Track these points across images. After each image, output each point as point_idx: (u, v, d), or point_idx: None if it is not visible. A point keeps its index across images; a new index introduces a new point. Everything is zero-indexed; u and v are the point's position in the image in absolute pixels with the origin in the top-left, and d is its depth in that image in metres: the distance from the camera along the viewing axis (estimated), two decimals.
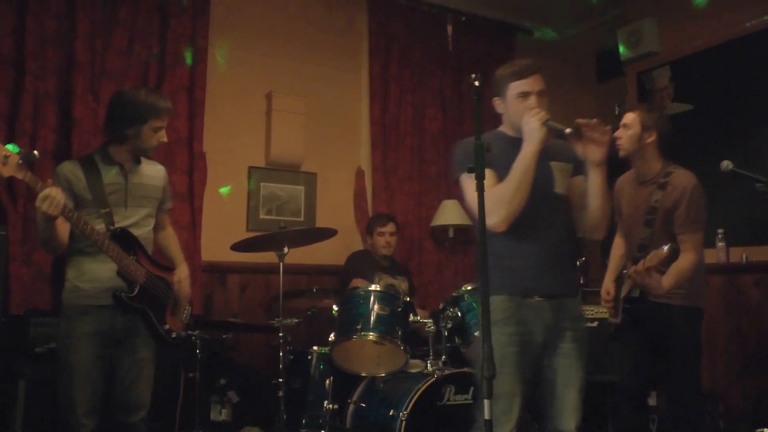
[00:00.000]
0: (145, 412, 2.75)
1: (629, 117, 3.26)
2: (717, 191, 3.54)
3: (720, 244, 4.49)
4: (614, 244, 3.49)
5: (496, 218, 2.25)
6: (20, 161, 2.31)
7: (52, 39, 3.94)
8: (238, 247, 3.69)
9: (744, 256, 4.41)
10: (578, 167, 2.46)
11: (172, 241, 3.11)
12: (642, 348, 3.20)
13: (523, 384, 2.34)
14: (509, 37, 5.88)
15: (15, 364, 3.20)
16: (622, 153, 3.23)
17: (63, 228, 2.59)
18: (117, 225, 2.68)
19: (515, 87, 2.40)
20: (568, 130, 2.27)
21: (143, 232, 2.80)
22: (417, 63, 5.35)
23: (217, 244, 4.17)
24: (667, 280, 2.96)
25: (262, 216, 4.73)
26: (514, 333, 2.33)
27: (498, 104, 2.50)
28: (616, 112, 5.53)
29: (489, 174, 2.26)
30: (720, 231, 4.50)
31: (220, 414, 3.85)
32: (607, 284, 3.36)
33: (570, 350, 2.39)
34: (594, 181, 2.35)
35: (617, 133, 3.19)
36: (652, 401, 4.04)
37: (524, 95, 2.38)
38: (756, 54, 4.52)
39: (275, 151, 4.74)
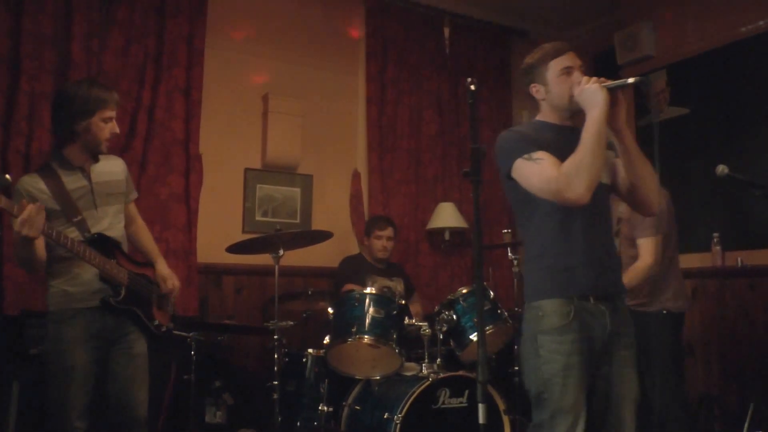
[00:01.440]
0: (143, 412, 2.74)
1: None
2: (713, 195, 3.56)
3: (715, 248, 4.50)
4: None
5: (578, 188, 2.07)
6: None
7: (49, 39, 3.93)
8: (233, 248, 3.68)
9: (739, 260, 4.41)
10: (615, 151, 2.33)
11: (144, 233, 3.07)
12: None
13: (585, 396, 2.16)
14: (506, 40, 5.89)
15: (9, 366, 3.18)
16: None
17: (41, 245, 2.53)
18: (92, 230, 2.66)
19: (557, 63, 2.27)
20: (630, 80, 2.14)
21: (117, 231, 2.78)
22: (414, 65, 5.35)
23: (213, 245, 4.17)
24: (628, 278, 3.08)
25: (258, 218, 4.72)
26: (575, 340, 2.14)
27: (537, 90, 2.34)
28: (650, 103, 5.50)
29: (545, 154, 2.17)
30: (715, 235, 4.50)
31: (214, 416, 3.84)
32: None
33: (625, 358, 2.24)
34: (618, 128, 2.23)
35: None
36: None
37: (568, 70, 2.26)
38: (751, 58, 4.53)
39: (271, 153, 4.74)
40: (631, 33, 5.20)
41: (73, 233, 2.61)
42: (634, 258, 3.27)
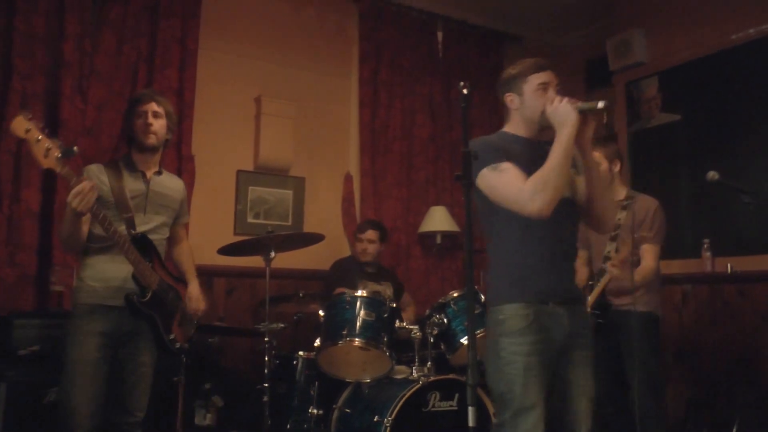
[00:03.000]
0: (141, 416, 2.78)
1: (595, 155, 3.41)
2: (703, 201, 3.59)
3: (706, 254, 4.52)
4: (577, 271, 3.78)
5: (540, 202, 2.15)
6: (60, 155, 2.41)
7: (41, 39, 3.92)
8: (225, 250, 3.68)
9: (729, 267, 4.43)
10: (577, 169, 2.42)
11: (186, 256, 3.17)
12: (608, 353, 3.39)
13: (545, 395, 2.24)
14: (499, 44, 5.91)
15: None
16: None
17: (85, 226, 2.67)
18: (138, 229, 2.74)
19: (536, 78, 2.35)
20: (600, 104, 2.19)
21: (157, 239, 2.85)
22: (407, 69, 5.37)
23: (204, 247, 4.15)
24: (637, 276, 3.26)
25: (249, 220, 4.72)
26: (536, 341, 2.23)
27: (512, 100, 2.41)
28: (604, 121, 5.56)
29: (512, 166, 2.24)
30: (706, 241, 4.53)
31: (204, 419, 3.82)
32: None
33: (583, 358, 2.33)
34: (583, 146, 2.32)
35: None
36: None
37: (545, 86, 2.34)
38: (742, 66, 4.56)
39: (264, 155, 4.73)
40: (624, 40, 5.24)
41: (120, 227, 2.69)
42: (632, 264, 3.32)
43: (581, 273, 3.68)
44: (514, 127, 2.44)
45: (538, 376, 2.21)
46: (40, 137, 2.38)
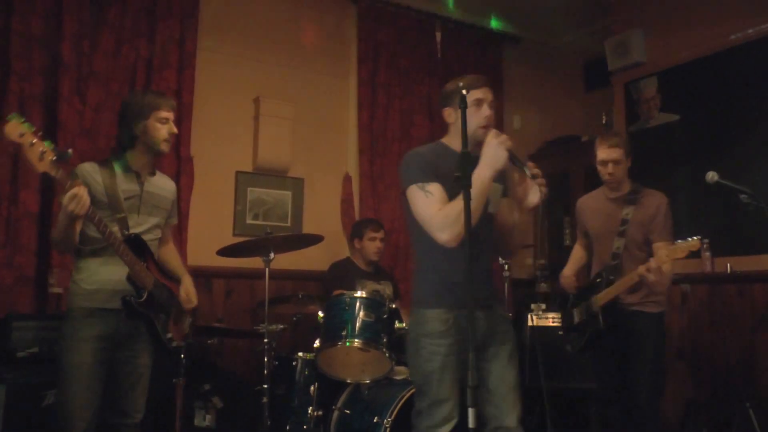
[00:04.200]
0: (139, 417, 2.78)
1: (618, 153, 3.43)
2: (702, 201, 3.59)
3: (705, 254, 4.52)
4: (575, 250, 3.83)
5: (449, 234, 2.30)
6: (55, 158, 2.37)
7: (39, 39, 3.91)
8: (224, 252, 3.67)
9: (728, 266, 4.43)
10: (506, 188, 2.56)
11: (173, 255, 3.15)
12: (615, 353, 3.42)
13: (458, 388, 2.42)
14: (497, 45, 5.91)
15: None
16: (613, 185, 3.49)
17: (78, 227, 2.64)
18: (131, 230, 2.72)
19: (471, 95, 2.44)
20: (528, 171, 2.27)
21: (151, 239, 2.84)
22: (405, 70, 5.36)
23: (203, 248, 4.15)
24: (666, 280, 3.29)
25: (248, 221, 4.71)
26: (453, 343, 2.39)
27: (449, 114, 2.57)
28: (603, 121, 5.58)
29: (438, 187, 2.38)
30: (705, 241, 4.53)
31: (203, 420, 3.82)
32: (567, 272, 3.68)
33: (501, 352, 2.49)
34: (521, 218, 2.55)
35: (611, 169, 3.43)
36: None
37: (479, 102, 2.46)
38: (741, 66, 4.56)
39: (263, 156, 4.73)
40: (622, 40, 5.24)
41: (113, 228, 2.67)
42: (639, 261, 3.29)
43: (580, 257, 3.74)
44: (450, 140, 2.58)
45: (452, 372, 2.40)
46: (34, 141, 2.33)
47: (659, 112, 5.07)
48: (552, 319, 4.47)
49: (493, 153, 2.30)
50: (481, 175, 2.29)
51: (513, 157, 2.29)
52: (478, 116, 2.44)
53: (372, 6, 5.26)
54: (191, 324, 3.09)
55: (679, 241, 3.20)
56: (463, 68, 5.60)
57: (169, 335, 2.86)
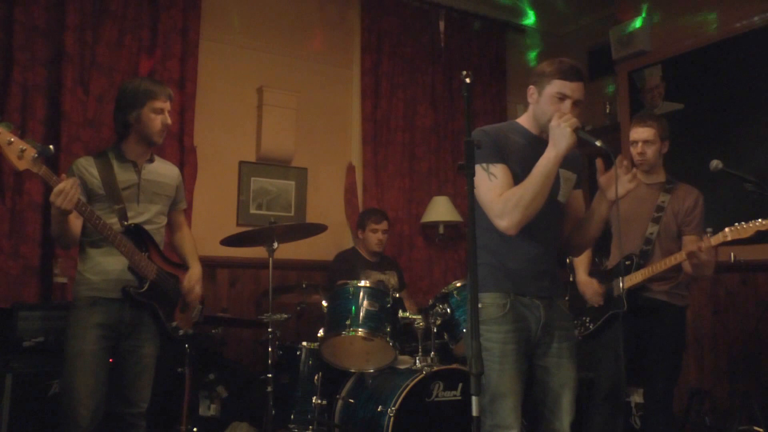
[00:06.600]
0: (145, 406, 2.78)
1: (649, 132, 3.34)
2: (706, 190, 3.57)
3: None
4: None
5: (508, 221, 2.21)
6: (36, 155, 2.33)
7: (42, 30, 3.91)
8: (227, 241, 3.67)
9: (732, 255, 4.42)
10: (580, 180, 2.47)
11: (187, 241, 3.12)
12: (627, 344, 3.27)
13: (522, 382, 2.30)
14: (501, 34, 5.89)
15: (2, 358, 3.17)
16: (645, 167, 3.37)
17: (76, 222, 2.61)
18: (131, 221, 2.71)
19: (556, 85, 2.30)
20: (598, 143, 2.15)
21: (154, 228, 2.82)
22: (409, 59, 5.35)
23: (207, 238, 4.16)
24: (708, 271, 3.25)
25: (252, 211, 4.72)
26: (511, 330, 2.28)
27: (531, 93, 2.39)
28: (607, 110, 5.56)
29: (503, 169, 2.27)
30: (708, 230, 4.49)
31: (208, 409, 3.84)
32: (584, 277, 3.48)
33: (562, 349, 2.36)
34: (602, 213, 2.39)
35: (641, 149, 3.33)
36: (638, 398, 4.06)
37: (562, 97, 2.30)
38: (745, 54, 4.54)
39: (266, 146, 4.73)
40: (627, 28, 5.21)
41: (112, 220, 2.66)
42: (669, 251, 3.24)
43: (586, 256, 3.55)
44: (526, 120, 2.45)
45: (513, 363, 2.26)
46: (12, 139, 2.26)
47: (663, 100, 5.05)
48: None
49: (560, 132, 2.19)
50: (548, 156, 2.20)
51: (581, 135, 2.19)
52: (554, 109, 2.28)
53: None
54: (200, 311, 3.08)
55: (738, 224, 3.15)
56: (467, 57, 5.60)
57: (175, 324, 2.87)
